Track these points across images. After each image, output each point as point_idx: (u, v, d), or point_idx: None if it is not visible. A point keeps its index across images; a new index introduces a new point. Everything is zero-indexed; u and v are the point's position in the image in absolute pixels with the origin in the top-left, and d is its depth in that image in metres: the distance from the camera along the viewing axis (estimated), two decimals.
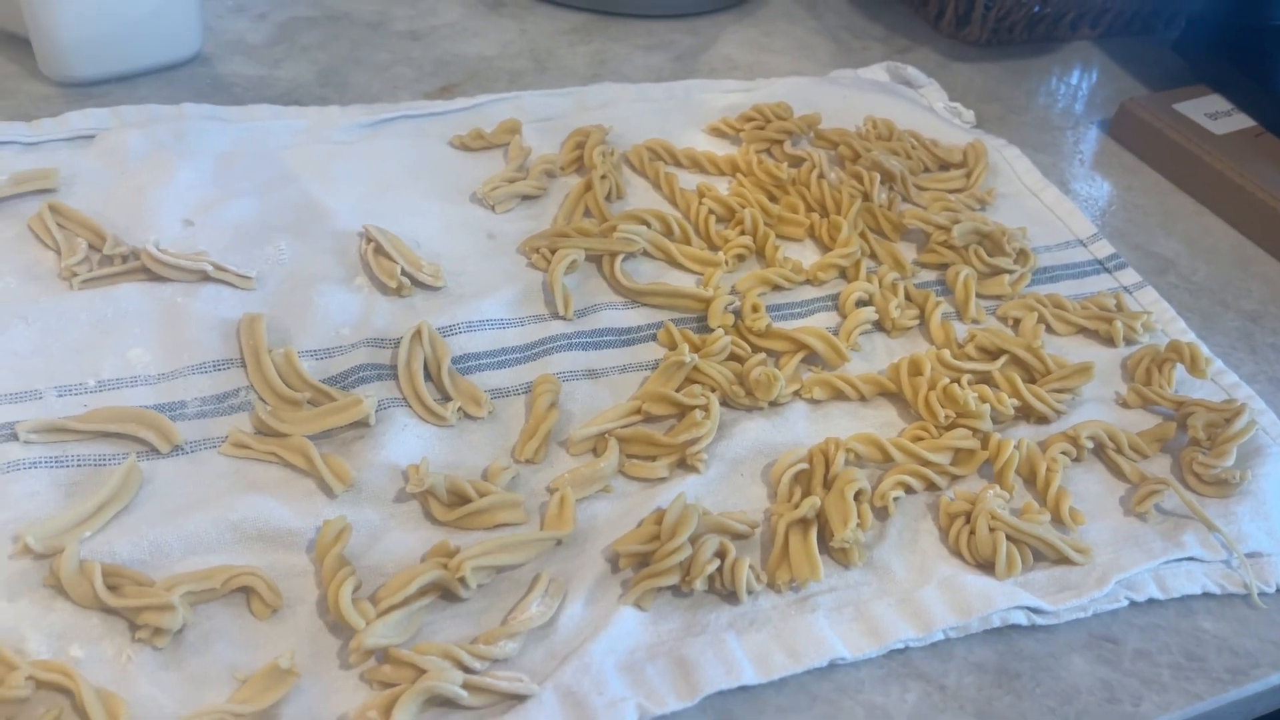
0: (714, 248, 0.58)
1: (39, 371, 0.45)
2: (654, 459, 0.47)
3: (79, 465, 0.42)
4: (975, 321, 0.56)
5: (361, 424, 0.45)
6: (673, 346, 0.52)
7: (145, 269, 0.50)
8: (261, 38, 0.69)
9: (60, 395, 0.45)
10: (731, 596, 0.42)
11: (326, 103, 0.64)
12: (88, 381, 0.46)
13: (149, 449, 0.43)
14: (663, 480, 0.46)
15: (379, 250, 0.53)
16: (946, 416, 0.49)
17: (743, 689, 0.39)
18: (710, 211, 0.59)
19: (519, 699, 0.37)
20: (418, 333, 0.49)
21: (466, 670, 0.37)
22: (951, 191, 0.65)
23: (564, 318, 0.52)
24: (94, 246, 0.51)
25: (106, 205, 0.53)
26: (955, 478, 0.48)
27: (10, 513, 0.40)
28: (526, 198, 0.60)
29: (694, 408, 0.48)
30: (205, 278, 0.50)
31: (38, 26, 0.59)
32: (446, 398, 0.48)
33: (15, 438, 0.42)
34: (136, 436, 0.43)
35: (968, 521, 0.45)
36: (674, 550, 0.41)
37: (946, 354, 0.52)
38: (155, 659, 0.37)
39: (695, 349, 0.51)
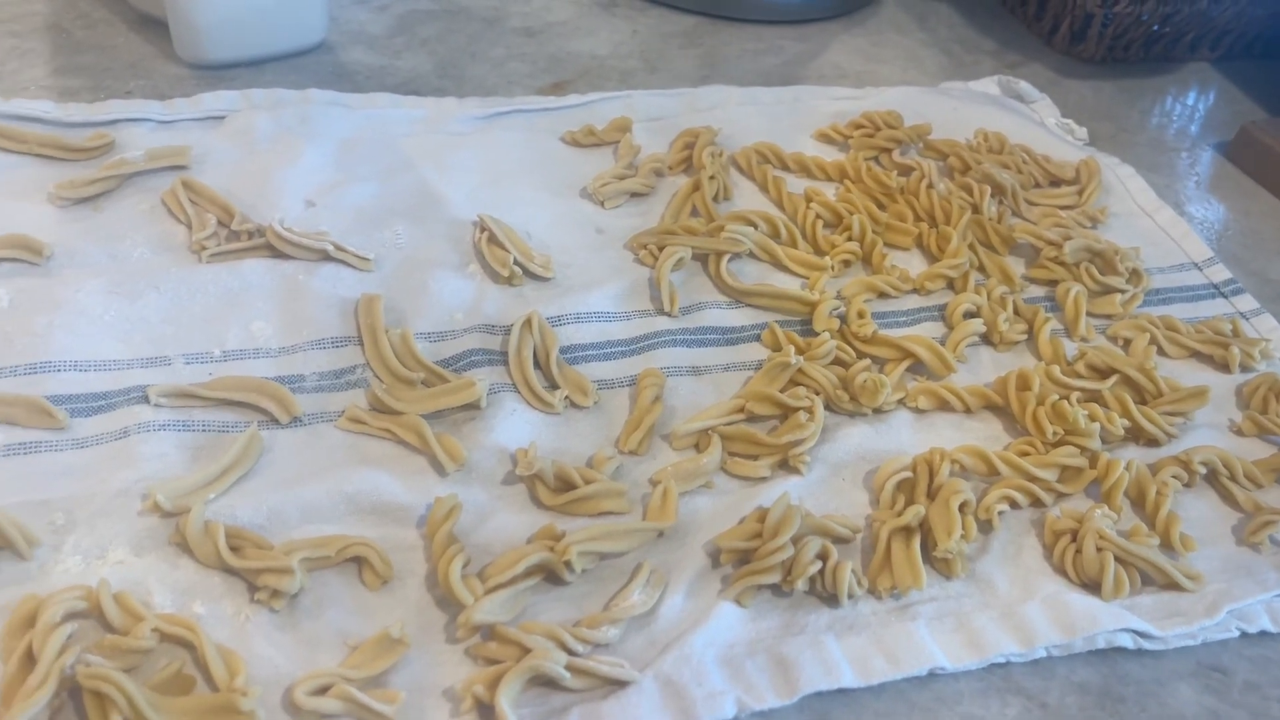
0: (820, 252, 0.58)
1: (169, 339, 0.47)
2: (756, 458, 0.47)
3: (204, 430, 0.44)
4: (1084, 339, 0.55)
5: (472, 406, 0.46)
6: (776, 348, 0.52)
7: (269, 246, 0.52)
8: (382, 28, 0.71)
9: (188, 363, 0.46)
10: (831, 599, 0.42)
11: (444, 94, 0.65)
12: (213, 351, 0.47)
13: (269, 419, 0.45)
14: (764, 480, 0.46)
15: (492, 239, 0.54)
16: (1054, 433, 0.48)
17: (841, 692, 0.39)
18: (818, 216, 0.59)
19: (620, 684, 0.38)
20: (528, 321, 0.50)
21: (569, 652, 0.38)
22: (1063, 208, 0.64)
23: (669, 314, 0.53)
24: (222, 222, 0.52)
25: (234, 183, 0.55)
26: (1061, 495, 0.47)
27: (139, 471, 0.42)
28: (635, 195, 0.60)
29: (798, 409, 0.48)
30: (326, 257, 0.52)
31: (176, 10, 0.61)
32: (554, 386, 0.48)
33: (146, 400, 0.44)
34: (258, 406, 0.45)
35: (1074, 540, 0.44)
36: (777, 549, 0.41)
37: (1056, 370, 0.52)
38: (271, 620, 0.38)
39: (800, 351, 0.51)
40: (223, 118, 0.60)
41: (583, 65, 0.71)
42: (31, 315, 0.47)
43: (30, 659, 0.35)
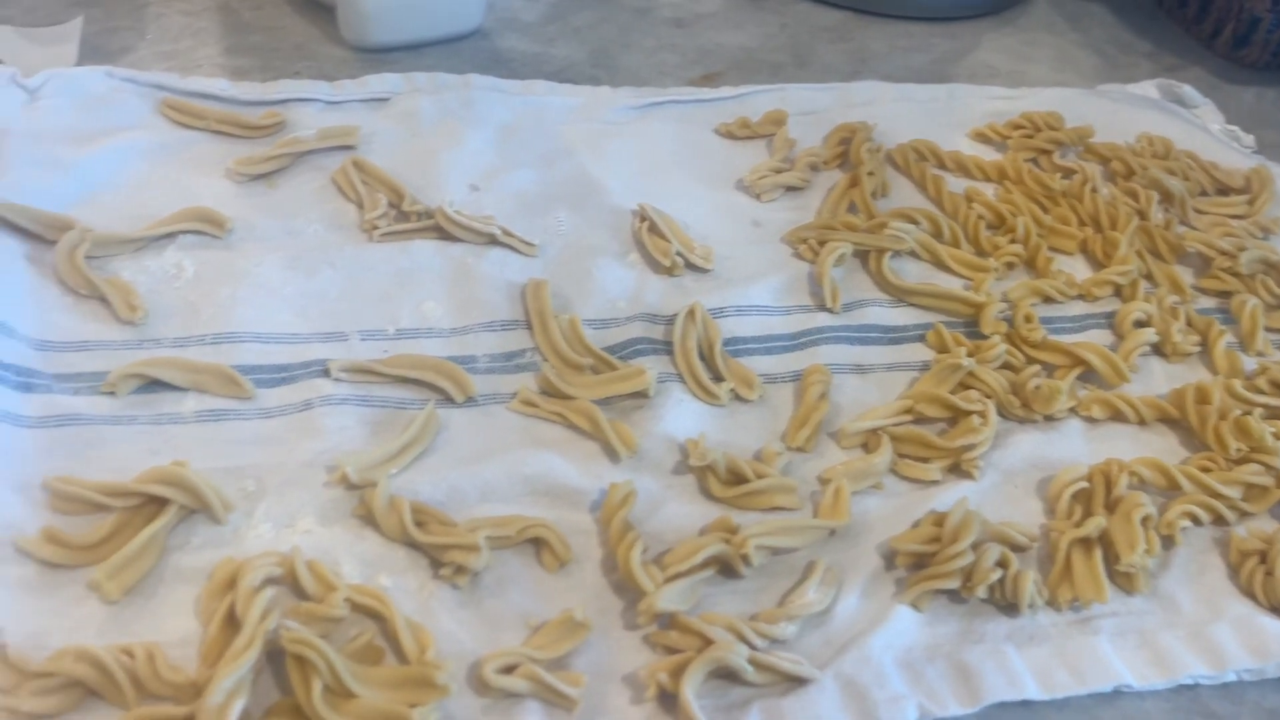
0: (982, 253, 0.56)
1: (345, 315, 0.48)
2: (926, 461, 0.46)
3: (382, 406, 0.45)
4: (1261, 354, 0.53)
5: (640, 394, 0.46)
6: (942, 349, 0.51)
7: (438, 228, 0.52)
8: (535, 16, 0.71)
9: (364, 339, 0.47)
10: (1009, 608, 0.41)
11: (597, 82, 0.65)
12: (387, 329, 0.48)
13: (444, 398, 0.45)
14: (935, 483, 0.45)
15: (653, 229, 0.54)
16: (1238, 450, 0.47)
17: (1023, 704, 0.38)
18: (979, 216, 0.58)
19: (799, 682, 0.37)
20: (691, 312, 0.49)
21: (748, 646, 0.37)
22: (1233, 217, 0.61)
23: (831, 310, 0.52)
24: (391, 203, 0.53)
25: (399, 165, 0.56)
26: (1245, 514, 0.45)
27: (324, 443, 0.42)
28: (791, 189, 0.60)
29: (971, 413, 0.47)
30: (493, 241, 0.52)
31: None
32: (717, 377, 0.48)
33: (327, 374, 0.45)
34: (434, 385, 0.45)
35: (1262, 561, 0.43)
36: (957, 555, 0.40)
37: (1236, 384, 0.50)
38: (454, 597, 0.39)
39: (970, 354, 0.49)
40: (386, 100, 0.60)
41: (732, 57, 0.71)
42: (215, 286, 0.48)
43: (231, 621, 0.35)
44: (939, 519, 0.42)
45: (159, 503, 0.39)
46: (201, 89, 0.58)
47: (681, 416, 0.46)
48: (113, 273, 0.48)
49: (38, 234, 0.48)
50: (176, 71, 0.60)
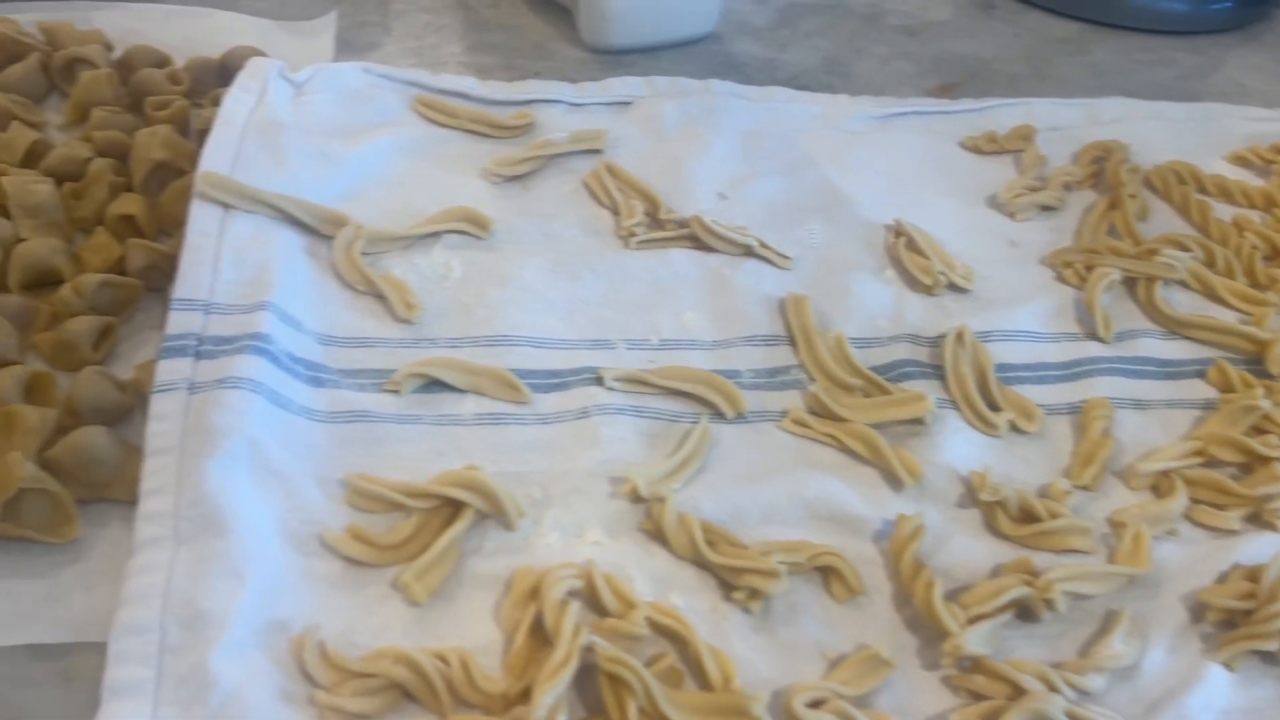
0: (1258, 286, 0.53)
1: (609, 322, 0.47)
2: (1223, 508, 0.43)
3: (655, 417, 0.44)
4: None
5: (916, 421, 0.45)
6: (1227, 388, 0.48)
7: (691, 236, 0.51)
8: (765, 21, 0.70)
9: (630, 348, 0.47)
10: None
11: (832, 90, 0.64)
12: (651, 339, 0.47)
13: (714, 412, 0.44)
14: (1233, 533, 0.42)
15: (911, 245, 0.52)
16: None
17: None
18: (1254, 247, 0.54)
19: None
20: (960, 335, 0.48)
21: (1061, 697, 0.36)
22: None
23: (1102, 340, 0.50)
24: (646, 211, 0.53)
25: (647, 170, 0.55)
26: None
27: (604, 453, 0.42)
28: (1045, 208, 0.57)
29: (1272, 459, 0.44)
30: (748, 252, 0.51)
31: None
32: (993, 406, 0.46)
33: (599, 382, 0.44)
34: (704, 398, 0.44)
35: None
36: (1277, 614, 0.38)
37: None
38: (746, 621, 0.38)
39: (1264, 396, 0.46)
40: (629, 103, 0.60)
41: (968, 68, 0.68)
42: (484, 287, 0.48)
43: (536, 633, 0.35)
44: (1252, 574, 0.40)
45: (453, 505, 0.39)
46: (451, 87, 0.58)
47: (959, 446, 0.44)
48: (384, 270, 0.48)
49: (313, 228, 0.48)
50: (423, 68, 0.60)
